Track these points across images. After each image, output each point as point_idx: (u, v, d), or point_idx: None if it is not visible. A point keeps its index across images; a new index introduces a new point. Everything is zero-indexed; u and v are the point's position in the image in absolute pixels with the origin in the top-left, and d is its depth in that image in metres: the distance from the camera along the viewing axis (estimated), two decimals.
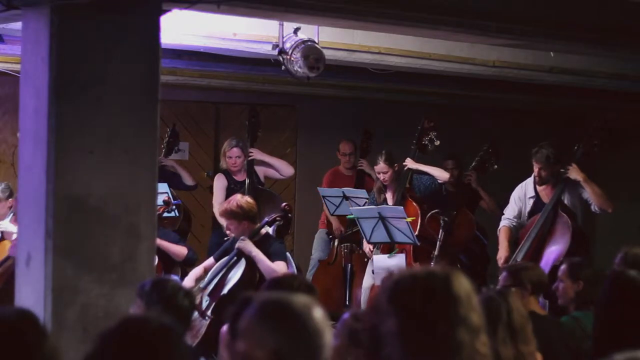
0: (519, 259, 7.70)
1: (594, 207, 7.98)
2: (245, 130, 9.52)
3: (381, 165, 8.72)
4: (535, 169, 8.03)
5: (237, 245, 7.30)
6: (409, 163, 8.71)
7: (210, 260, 7.64)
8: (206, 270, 7.59)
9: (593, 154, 8.02)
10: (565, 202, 7.95)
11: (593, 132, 8.04)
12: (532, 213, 8.01)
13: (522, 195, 8.19)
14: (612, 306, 3.74)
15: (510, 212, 8.27)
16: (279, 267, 7.17)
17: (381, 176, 8.74)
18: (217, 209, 9.15)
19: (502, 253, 8.05)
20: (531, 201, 8.08)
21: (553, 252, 7.68)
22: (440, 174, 8.75)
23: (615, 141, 11.95)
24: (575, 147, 8.03)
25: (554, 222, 7.77)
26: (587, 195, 7.94)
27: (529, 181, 8.18)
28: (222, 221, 8.93)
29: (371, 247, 8.73)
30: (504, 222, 8.28)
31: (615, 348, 3.49)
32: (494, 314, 3.91)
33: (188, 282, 7.43)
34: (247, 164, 9.25)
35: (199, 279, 7.51)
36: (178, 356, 2.89)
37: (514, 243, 8.15)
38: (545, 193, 8.01)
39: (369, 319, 2.61)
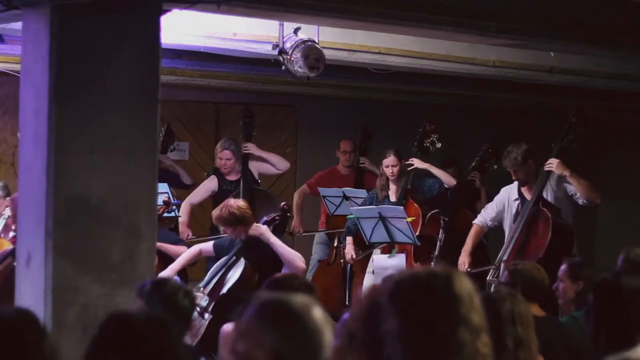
0: (504, 258, 7.71)
1: (582, 200, 7.96)
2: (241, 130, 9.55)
3: (391, 158, 8.70)
4: (512, 174, 8.02)
5: (251, 232, 7.31)
6: (417, 162, 8.68)
7: (209, 244, 7.66)
8: (202, 252, 7.62)
9: (572, 149, 8.00)
10: (549, 198, 7.94)
11: (567, 127, 8.02)
12: (518, 215, 7.98)
13: (505, 198, 8.16)
14: (600, 313, 3.76)
15: (487, 213, 8.26)
16: (298, 254, 7.25)
17: (389, 169, 8.71)
18: (186, 203, 9.25)
19: (463, 258, 8.06)
20: (516, 203, 8.06)
21: (536, 247, 7.68)
22: (448, 179, 8.72)
23: (614, 141, 11.99)
24: (553, 145, 8.01)
25: (536, 219, 7.76)
26: (573, 190, 7.92)
27: (514, 184, 8.16)
28: (183, 218, 9.06)
29: (353, 254, 8.76)
30: (477, 220, 8.29)
31: (611, 349, 3.51)
32: (514, 314, 3.95)
33: (181, 261, 7.45)
34: (241, 161, 9.28)
35: (192, 260, 7.55)
36: (169, 346, 2.91)
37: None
38: (530, 193, 7.99)
39: (362, 319, 2.60)
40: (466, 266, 7.96)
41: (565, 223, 7.86)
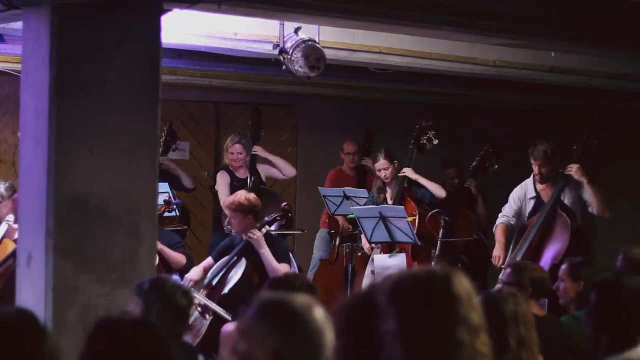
0: (518, 259, 7.69)
1: (593, 210, 7.97)
2: (248, 130, 9.54)
3: (382, 162, 8.71)
4: (535, 168, 8.01)
5: (247, 237, 7.30)
6: (409, 173, 8.67)
7: (209, 260, 7.64)
8: (205, 271, 7.60)
9: (592, 153, 8.01)
10: (566, 201, 7.94)
11: (591, 132, 8.03)
12: (533, 214, 7.99)
13: (522, 196, 8.16)
14: (601, 313, 3.76)
15: (508, 211, 8.25)
16: (283, 269, 7.19)
17: (382, 173, 8.73)
18: (223, 203, 9.19)
19: (498, 252, 8.03)
20: (532, 202, 8.06)
21: (552, 251, 7.68)
22: (438, 191, 8.70)
23: (615, 141, 11.98)
24: (575, 147, 8.02)
25: (553, 222, 7.76)
26: (588, 197, 7.92)
27: (529, 182, 8.16)
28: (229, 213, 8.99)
29: (372, 244, 8.73)
30: (501, 220, 8.26)
31: (612, 349, 3.50)
32: (517, 314, 3.96)
33: (191, 277, 7.44)
34: (249, 162, 9.28)
35: (203, 275, 7.54)
36: (158, 349, 2.92)
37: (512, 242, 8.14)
38: (546, 193, 7.99)
39: (361, 318, 2.60)
40: (501, 261, 7.95)
41: (581, 227, 7.87)
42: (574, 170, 7.85)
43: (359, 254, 9.09)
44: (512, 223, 8.21)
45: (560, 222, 7.73)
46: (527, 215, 8.06)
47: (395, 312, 2.44)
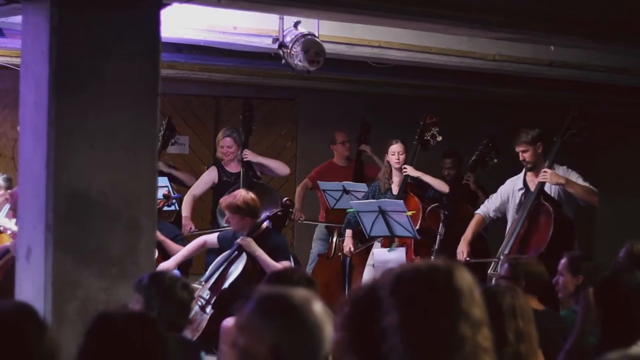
0: (505, 252, 7.70)
1: (581, 202, 7.99)
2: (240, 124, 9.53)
3: (398, 145, 8.66)
4: (520, 155, 8.01)
5: (239, 242, 7.32)
6: (410, 170, 8.65)
7: (213, 236, 7.66)
8: (206, 244, 7.62)
9: (573, 143, 8.00)
10: (553, 194, 7.94)
11: (569, 122, 8.02)
12: (521, 205, 7.99)
13: (511, 189, 8.16)
14: (602, 310, 3.76)
15: (491, 203, 8.24)
16: (281, 267, 7.18)
17: (395, 156, 8.66)
18: (188, 195, 9.16)
19: (462, 247, 8.06)
20: (520, 193, 8.05)
21: (537, 242, 7.68)
22: (441, 186, 8.69)
23: (612, 136, 11.99)
24: (554, 139, 8.02)
25: (538, 213, 7.76)
26: (572, 192, 7.93)
27: (520, 175, 8.16)
28: (185, 211, 8.95)
29: (352, 247, 8.74)
30: (479, 210, 8.29)
31: (613, 346, 3.50)
32: (515, 308, 3.97)
33: (184, 253, 7.49)
34: (241, 156, 9.25)
35: (196, 252, 7.61)
36: (153, 343, 2.92)
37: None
38: (535, 184, 7.99)
39: (362, 313, 2.60)
40: (465, 255, 7.96)
41: (566, 217, 7.86)
42: (547, 176, 7.83)
43: (359, 245, 9.09)
44: (491, 215, 8.22)
45: (544, 212, 7.72)
46: (516, 208, 8.04)
47: (397, 305, 2.44)
